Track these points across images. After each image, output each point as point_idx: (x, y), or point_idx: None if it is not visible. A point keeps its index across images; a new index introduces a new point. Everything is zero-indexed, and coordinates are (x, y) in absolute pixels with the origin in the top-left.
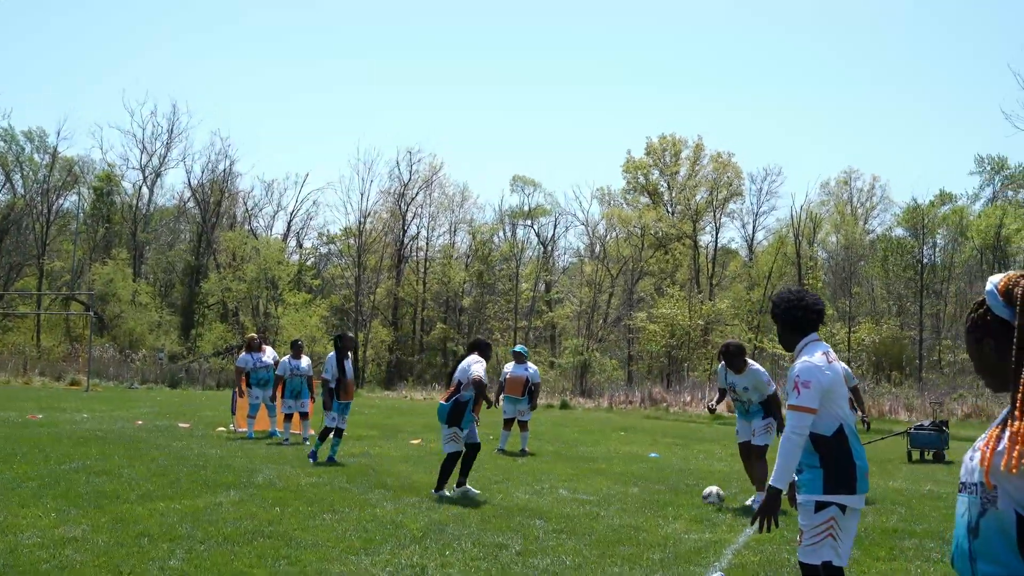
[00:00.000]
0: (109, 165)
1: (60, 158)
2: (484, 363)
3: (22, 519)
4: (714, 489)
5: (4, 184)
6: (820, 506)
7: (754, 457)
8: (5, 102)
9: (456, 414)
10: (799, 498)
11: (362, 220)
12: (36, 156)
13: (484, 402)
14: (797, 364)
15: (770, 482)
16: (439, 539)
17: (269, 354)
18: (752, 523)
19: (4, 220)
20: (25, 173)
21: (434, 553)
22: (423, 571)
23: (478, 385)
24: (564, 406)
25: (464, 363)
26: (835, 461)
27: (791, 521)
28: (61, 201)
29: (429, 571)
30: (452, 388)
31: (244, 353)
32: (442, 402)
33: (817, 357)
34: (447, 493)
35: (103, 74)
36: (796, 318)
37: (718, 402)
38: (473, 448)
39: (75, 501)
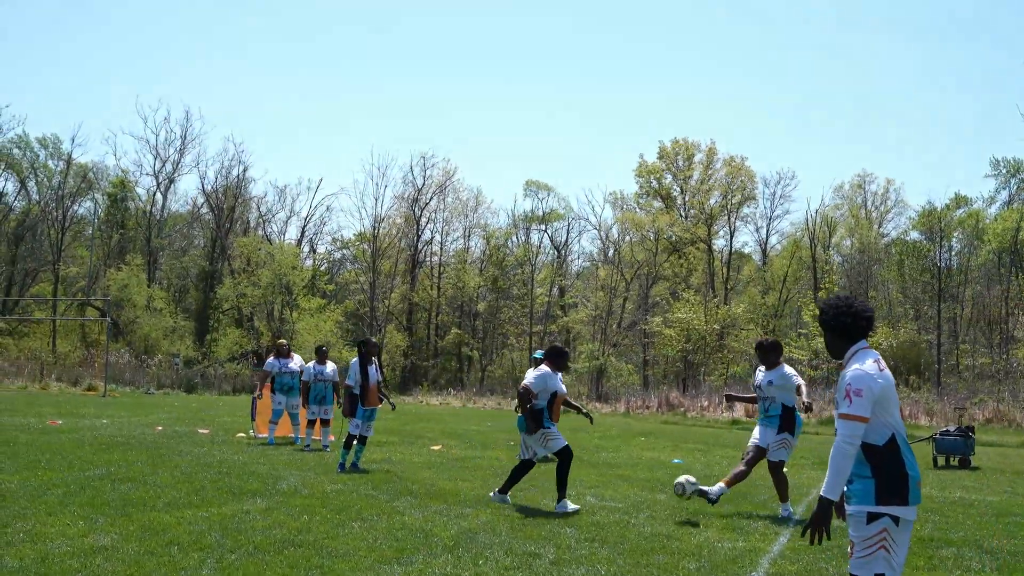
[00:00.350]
0: (123, 171)
1: (74, 165)
2: (548, 372)
3: (50, 527)
4: (684, 478)
5: (19, 191)
6: (872, 517)
7: (772, 474)
8: (19, 109)
9: (536, 420)
10: (849, 509)
11: (376, 225)
12: (51, 163)
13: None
14: (848, 372)
15: (822, 493)
16: (471, 548)
17: (296, 361)
18: (803, 534)
19: (19, 226)
20: (40, 180)
21: (467, 563)
22: None
23: (521, 393)
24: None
25: (538, 369)
26: (887, 471)
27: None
28: (76, 207)
29: None
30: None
31: (272, 358)
32: (520, 414)
33: (868, 365)
34: (570, 506)
35: (117, 81)
36: (845, 324)
37: (739, 399)
38: (529, 465)
39: (102, 509)
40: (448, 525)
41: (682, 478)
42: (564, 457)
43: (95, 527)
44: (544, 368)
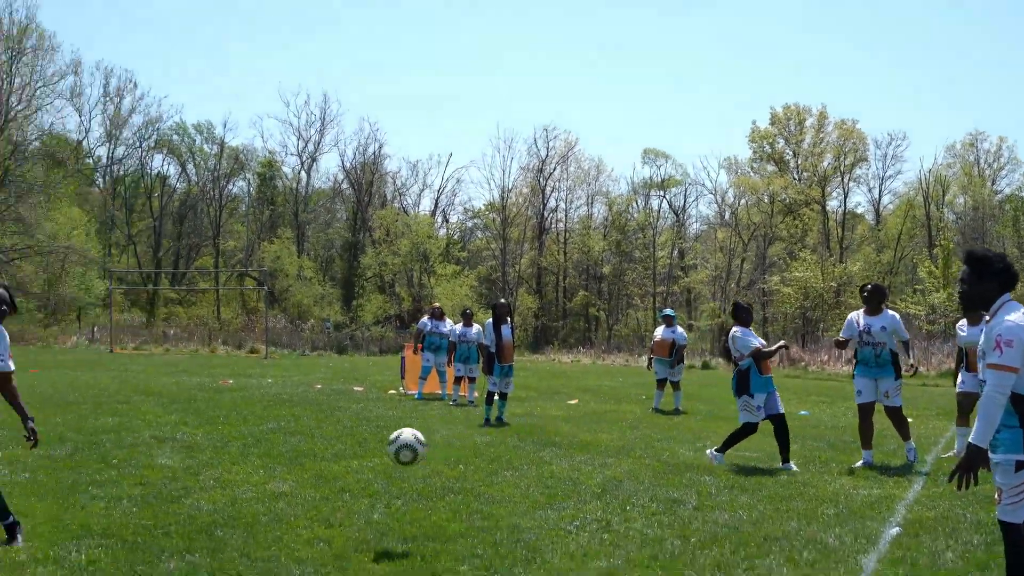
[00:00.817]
0: (270, 152)
1: (227, 148)
2: (744, 328)
3: (235, 475)
4: (404, 434)
5: (180, 173)
6: (1020, 465)
7: (893, 418)
8: (177, 98)
9: (741, 383)
10: (995, 458)
11: (504, 195)
12: (206, 147)
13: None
14: (1000, 323)
15: (971, 440)
16: (618, 495)
17: (447, 324)
18: (949, 479)
19: (182, 205)
20: (197, 163)
21: (616, 508)
22: (608, 525)
23: (756, 355)
24: (705, 367)
25: (729, 336)
26: None
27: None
28: (230, 187)
29: (613, 525)
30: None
31: (426, 318)
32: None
33: (1019, 316)
34: (722, 459)
35: (261, 69)
36: (1012, 277)
37: (845, 344)
38: (777, 419)
39: (278, 459)
40: (593, 473)
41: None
42: (742, 430)
43: (274, 475)
44: (739, 327)
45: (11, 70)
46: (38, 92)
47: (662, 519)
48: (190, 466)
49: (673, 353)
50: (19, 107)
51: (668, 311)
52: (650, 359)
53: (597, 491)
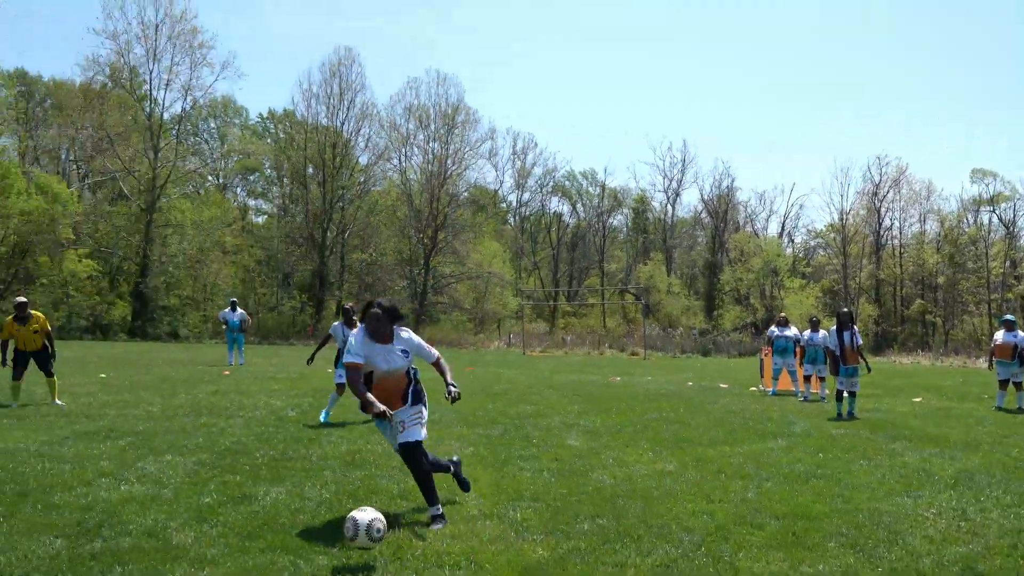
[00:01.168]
0: (641, 191)
1: (607, 189)
2: None
3: (628, 456)
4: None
5: (571, 211)
6: None
7: None
8: (567, 152)
9: None
10: None
11: (843, 217)
12: (591, 189)
13: None
14: None
15: None
16: (970, 486)
17: (792, 330)
18: None
19: (573, 236)
20: (584, 202)
21: (970, 498)
22: (963, 514)
23: None
24: None
25: None
26: None
27: None
28: (610, 220)
29: (969, 514)
30: None
31: (774, 326)
32: None
33: None
34: None
35: (632, 124)
36: None
37: None
38: None
39: (662, 444)
40: (945, 466)
41: (359, 521)
42: None
43: (660, 457)
44: None
45: (447, 140)
46: (466, 155)
47: (1019, 511)
48: (592, 447)
49: (1015, 356)
50: (453, 168)
51: (1008, 316)
52: (991, 360)
53: (950, 482)
